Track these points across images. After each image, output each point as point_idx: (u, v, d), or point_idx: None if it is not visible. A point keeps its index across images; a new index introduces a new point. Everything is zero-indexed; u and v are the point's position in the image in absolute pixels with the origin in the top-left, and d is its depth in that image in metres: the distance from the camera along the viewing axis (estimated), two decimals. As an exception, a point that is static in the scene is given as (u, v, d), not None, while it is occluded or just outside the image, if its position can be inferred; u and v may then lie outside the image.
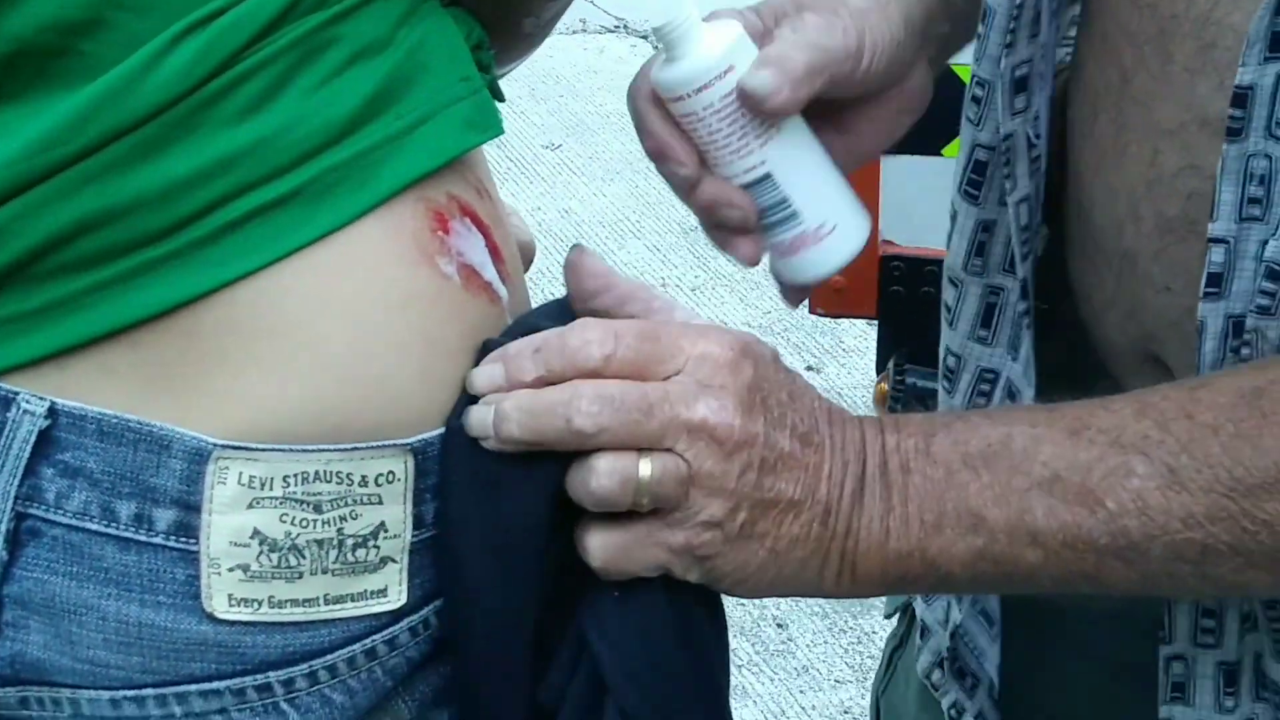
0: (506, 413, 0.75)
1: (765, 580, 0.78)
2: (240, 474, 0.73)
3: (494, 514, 0.76)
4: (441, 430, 0.77)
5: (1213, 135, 0.80)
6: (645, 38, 5.29)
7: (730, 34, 0.85)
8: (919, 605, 1.07)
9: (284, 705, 0.76)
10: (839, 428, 0.79)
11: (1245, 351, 0.80)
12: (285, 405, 0.74)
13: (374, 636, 0.77)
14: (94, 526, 0.74)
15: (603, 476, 0.75)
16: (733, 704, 2.73)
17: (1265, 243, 0.78)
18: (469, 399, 0.77)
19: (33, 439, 0.73)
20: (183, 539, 0.74)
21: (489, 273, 0.80)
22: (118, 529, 0.74)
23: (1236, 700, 0.87)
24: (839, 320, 3.57)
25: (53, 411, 0.73)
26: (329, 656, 0.76)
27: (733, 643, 2.80)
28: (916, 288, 2.22)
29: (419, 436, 0.76)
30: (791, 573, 0.78)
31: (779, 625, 2.78)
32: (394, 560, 0.77)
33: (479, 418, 0.76)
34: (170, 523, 0.74)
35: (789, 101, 0.85)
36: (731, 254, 0.90)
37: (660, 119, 0.87)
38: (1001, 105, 0.88)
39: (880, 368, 2.29)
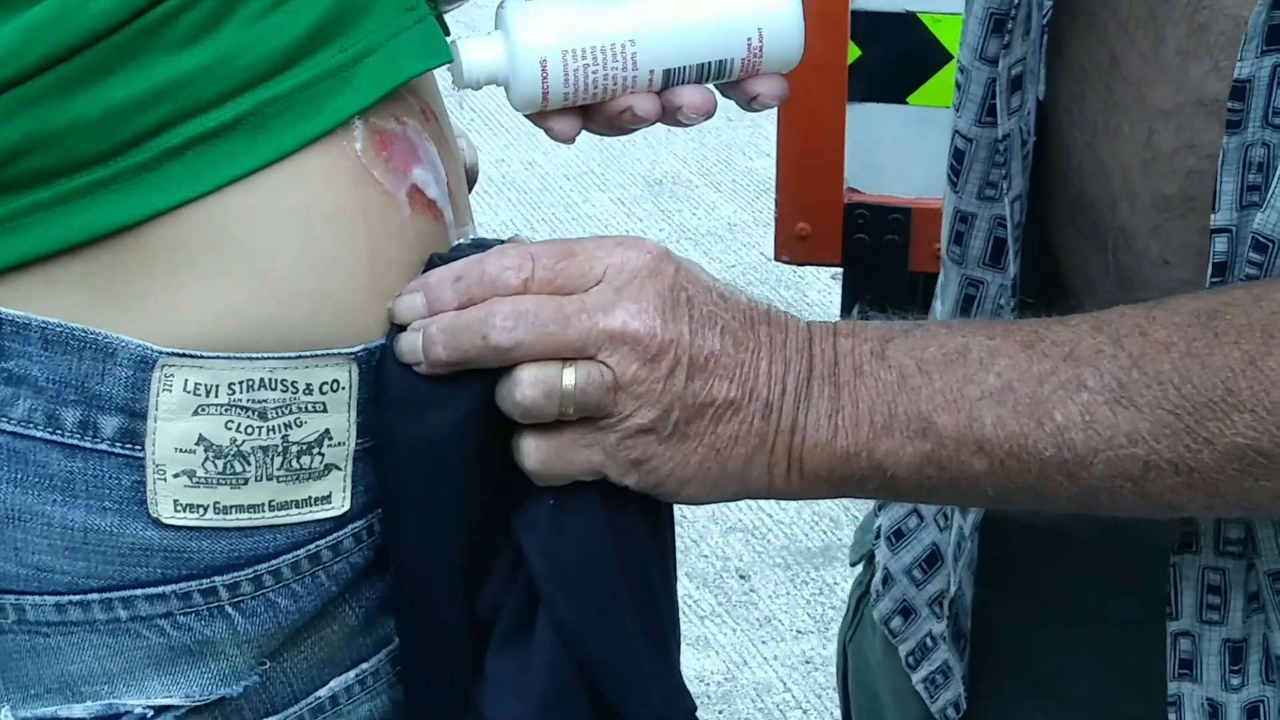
0: (433, 336, 0.76)
1: (709, 480, 0.78)
2: (186, 381, 0.74)
3: (424, 428, 0.76)
4: (383, 340, 0.78)
5: (1209, 116, 0.80)
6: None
7: (510, 29, 0.81)
8: (881, 552, 1.07)
9: (229, 609, 0.76)
10: (779, 328, 0.79)
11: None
12: (231, 315, 0.74)
13: (318, 542, 0.78)
14: (39, 434, 0.74)
15: (526, 387, 0.75)
16: (695, 654, 2.75)
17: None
18: (399, 327, 0.78)
19: None
20: (128, 445, 0.74)
21: (432, 191, 0.80)
22: (63, 436, 0.74)
23: (1243, 679, 0.86)
24: (802, 274, 3.57)
25: None
26: (274, 561, 0.77)
27: (695, 593, 2.82)
28: (881, 235, 2.23)
29: (362, 346, 0.77)
30: (736, 470, 0.78)
31: (741, 576, 2.79)
32: (338, 467, 0.77)
33: (409, 343, 0.77)
34: (116, 429, 0.74)
35: None
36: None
37: (540, 124, 0.84)
38: (1000, 107, 0.88)
39: (845, 314, 2.29)
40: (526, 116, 0.82)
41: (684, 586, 2.75)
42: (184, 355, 0.74)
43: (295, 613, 0.78)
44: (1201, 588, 0.86)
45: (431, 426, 0.77)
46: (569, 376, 0.75)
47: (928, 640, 1.03)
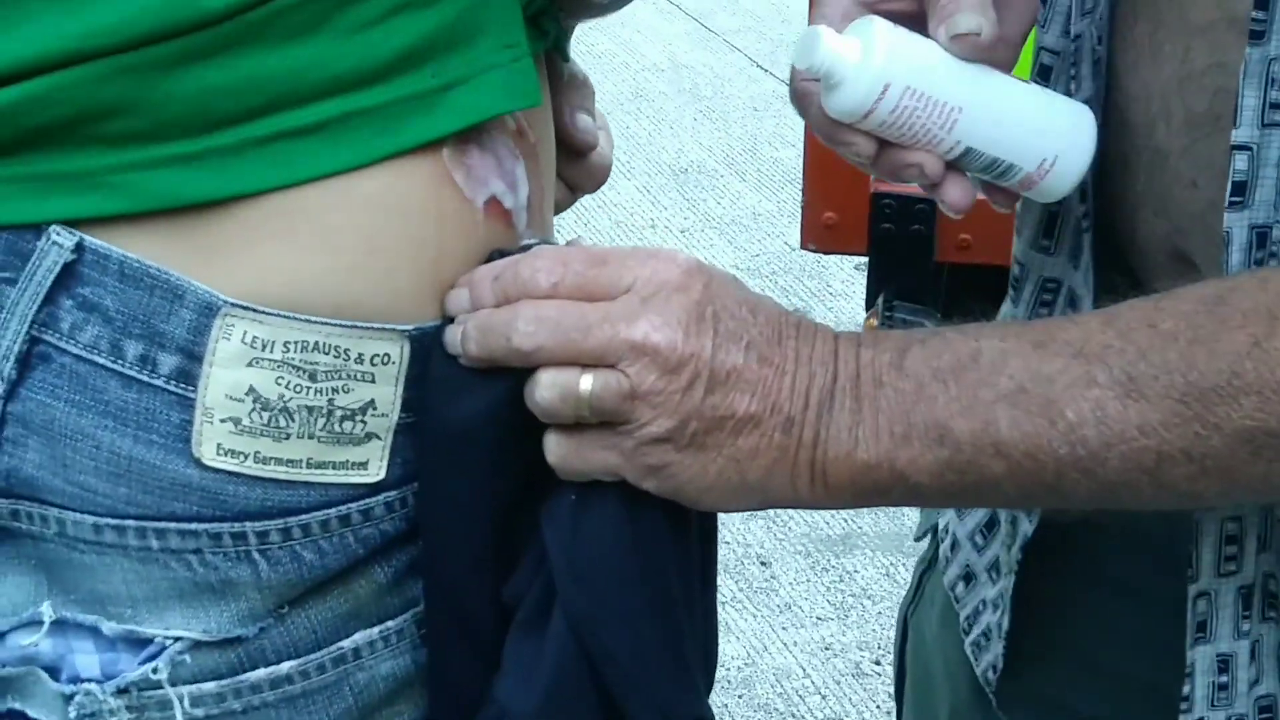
0: (468, 333, 0.78)
1: (730, 489, 0.79)
2: (245, 333, 0.76)
3: (460, 412, 0.79)
4: (439, 322, 0.80)
5: (1239, 34, 0.80)
6: (638, -20, 5.27)
7: (872, 45, 0.83)
8: (950, 517, 1.08)
9: (255, 555, 0.78)
10: (808, 341, 0.80)
11: (1272, 264, 0.79)
12: (295, 278, 0.77)
13: (350, 504, 0.80)
14: (101, 360, 0.76)
15: (544, 389, 0.77)
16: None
17: None
18: (451, 317, 0.81)
19: (57, 269, 0.75)
20: (182, 385, 0.76)
21: (509, 202, 0.82)
22: (123, 366, 0.76)
23: (1251, 624, 0.87)
24: (825, 264, 3.57)
25: (80, 247, 0.75)
26: (304, 516, 0.79)
27: (717, 580, 2.80)
28: (907, 225, 2.22)
29: (415, 325, 0.79)
30: (757, 480, 0.79)
31: (763, 563, 2.79)
32: (379, 437, 0.79)
33: (451, 335, 0.79)
34: (173, 368, 0.76)
35: (995, 29, 0.83)
36: (942, 202, 0.88)
37: (830, 128, 0.86)
38: (1074, 6, 0.88)
39: (870, 304, 2.29)
40: (829, 128, 0.85)
41: (705, 572, 2.76)
42: (246, 308, 0.76)
43: (319, 568, 0.80)
44: (1220, 540, 0.86)
45: (466, 411, 0.79)
46: (586, 383, 0.77)
47: (980, 604, 1.03)
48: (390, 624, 0.82)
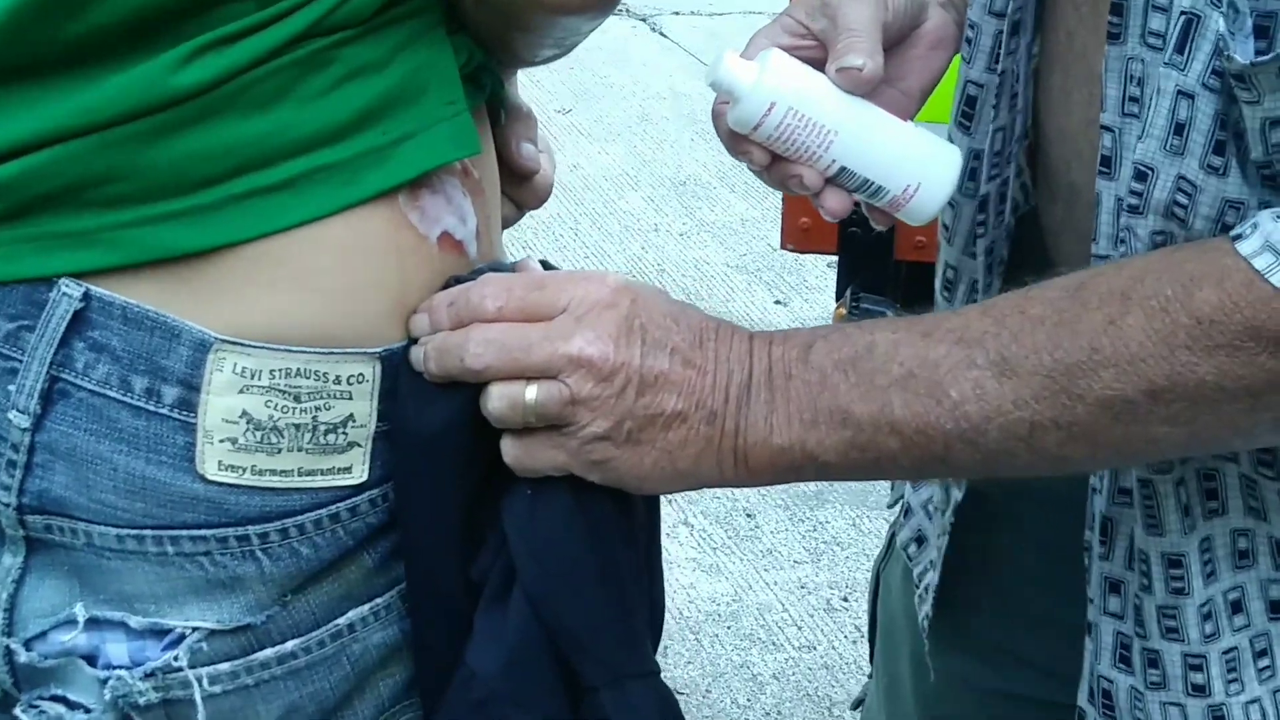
0: (428, 354, 0.78)
1: (665, 477, 0.78)
2: (235, 364, 0.76)
3: (427, 421, 0.79)
4: (404, 343, 0.79)
5: None
6: (644, 20, 5.25)
7: (765, 69, 0.84)
8: (907, 489, 1.08)
9: (258, 553, 0.78)
10: (725, 343, 0.79)
11: (1122, 249, 0.78)
12: (276, 314, 0.76)
13: (338, 504, 0.79)
14: (113, 394, 0.76)
15: (494, 400, 0.77)
16: (709, 579, 2.74)
17: (1139, 139, 0.77)
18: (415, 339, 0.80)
19: (69, 316, 0.75)
20: (184, 412, 0.76)
21: (460, 234, 0.82)
22: (132, 398, 0.76)
23: (1112, 561, 0.86)
24: (803, 261, 3.56)
25: (87, 296, 0.75)
26: (299, 517, 0.78)
27: (709, 529, 2.82)
28: (870, 229, 2.21)
29: (384, 347, 0.79)
30: (687, 467, 0.78)
31: (748, 515, 2.80)
32: (360, 445, 0.79)
33: (414, 355, 0.79)
34: (175, 398, 0.76)
35: (878, 69, 0.84)
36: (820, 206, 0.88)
37: (731, 139, 0.87)
38: (1001, 45, 0.88)
39: (839, 296, 2.29)
40: (730, 139, 0.86)
41: (700, 523, 2.76)
42: (235, 343, 0.76)
43: (315, 560, 0.79)
44: (1111, 498, 0.86)
45: (432, 419, 0.78)
46: (531, 393, 0.77)
47: (928, 564, 1.04)
48: (379, 600, 0.82)
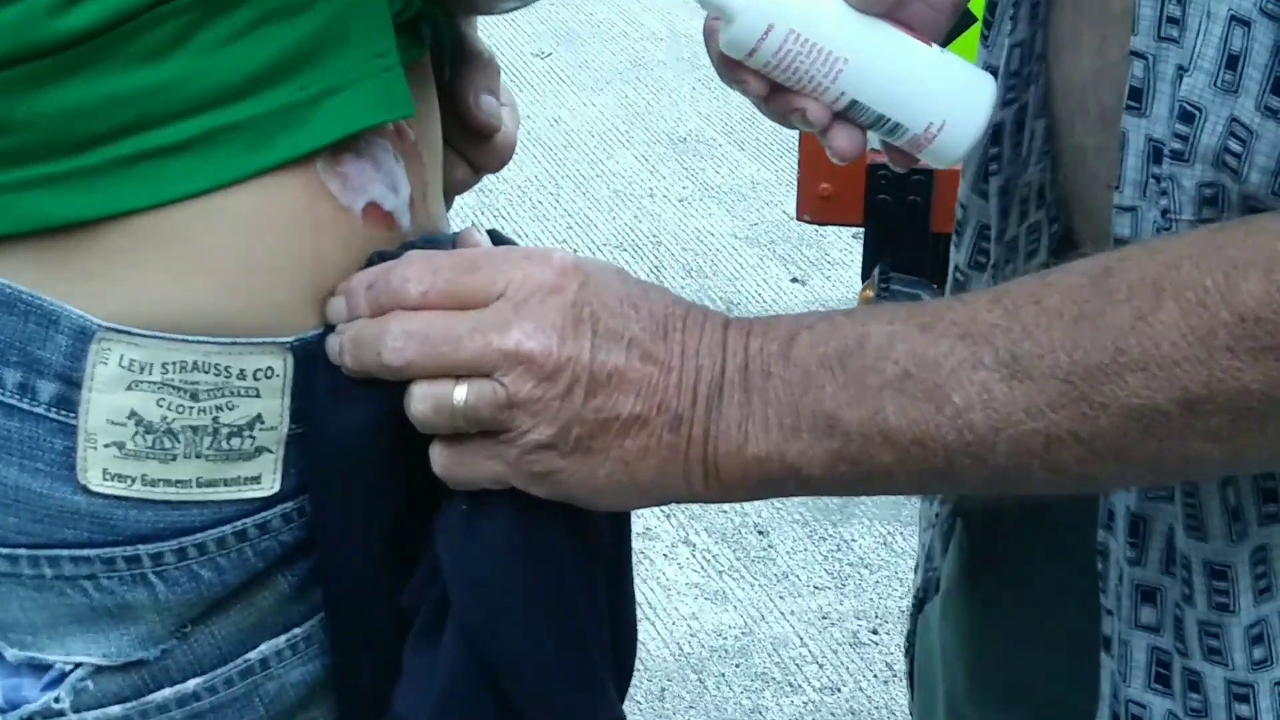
0: (343, 345, 0.77)
1: (622, 491, 0.77)
2: (121, 356, 0.75)
3: (344, 421, 0.78)
4: (320, 331, 0.79)
5: None
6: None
7: None
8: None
9: (151, 577, 0.78)
10: (695, 333, 0.78)
11: (1164, 201, 0.77)
12: (170, 299, 0.76)
13: (245, 520, 0.79)
14: None
15: (417, 402, 0.76)
16: (714, 609, 2.75)
17: (1181, 70, 0.76)
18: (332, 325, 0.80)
19: None
20: (63, 412, 0.76)
21: (390, 204, 0.81)
22: (3, 395, 0.76)
23: (1145, 566, 0.86)
24: (824, 233, 3.57)
25: None
26: (199, 535, 0.78)
27: (714, 549, 2.83)
28: (903, 196, 2.22)
29: (296, 336, 0.78)
30: (649, 481, 0.77)
31: (760, 532, 2.80)
32: (269, 450, 0.79)
33: (330, 345, 0.78)
34: (52, 395, 0.76)
35: None
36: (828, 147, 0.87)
37: (724, 64, 0.86)
38: None
39: (865, 275, 2.29)
40: (723, 65, 0.86)
41: (703, 541, 2.76)
42: (121, 331, 0.75)
43: (218, 585, 0.79)
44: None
45: (351, 420, 0.78)
46: (460, 394, 0.75)
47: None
48: (297, 631, 0.82)
